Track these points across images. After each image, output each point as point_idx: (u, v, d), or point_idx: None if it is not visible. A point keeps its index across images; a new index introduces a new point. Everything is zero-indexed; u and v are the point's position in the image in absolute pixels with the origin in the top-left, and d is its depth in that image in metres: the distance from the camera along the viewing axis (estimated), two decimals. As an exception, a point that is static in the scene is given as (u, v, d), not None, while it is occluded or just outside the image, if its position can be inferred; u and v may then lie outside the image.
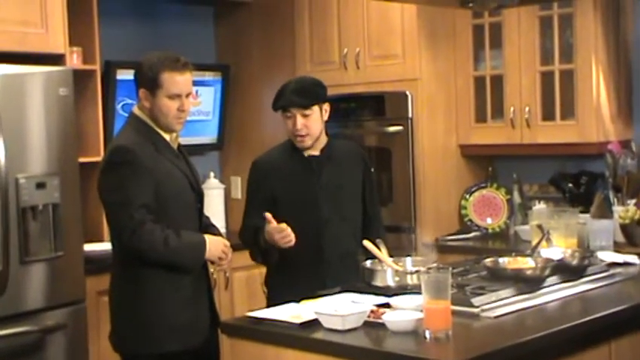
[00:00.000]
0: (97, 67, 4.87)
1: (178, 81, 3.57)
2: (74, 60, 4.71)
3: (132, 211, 3.43)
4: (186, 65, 3.61)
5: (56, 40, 4.41)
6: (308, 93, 3.87)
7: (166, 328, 3.54)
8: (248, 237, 3.92)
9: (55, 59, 4.40)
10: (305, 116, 3.85)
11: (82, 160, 4.42)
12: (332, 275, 3.83)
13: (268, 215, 3.73)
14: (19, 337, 3.97)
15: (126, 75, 5.01)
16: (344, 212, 3.94)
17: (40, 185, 4.04)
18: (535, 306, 3.25)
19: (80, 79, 4.62)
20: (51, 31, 4.39)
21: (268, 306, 3.77)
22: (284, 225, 3.71)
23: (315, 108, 3.87)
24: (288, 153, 3.97)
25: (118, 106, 5.25)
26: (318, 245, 3.87)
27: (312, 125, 3.87)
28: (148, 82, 3.57)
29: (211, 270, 3.79)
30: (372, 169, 4.24)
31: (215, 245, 3.62)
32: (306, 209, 3.87)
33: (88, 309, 4.28)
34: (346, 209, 3.96)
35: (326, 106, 3.94)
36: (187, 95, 3.61)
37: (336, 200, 3.92)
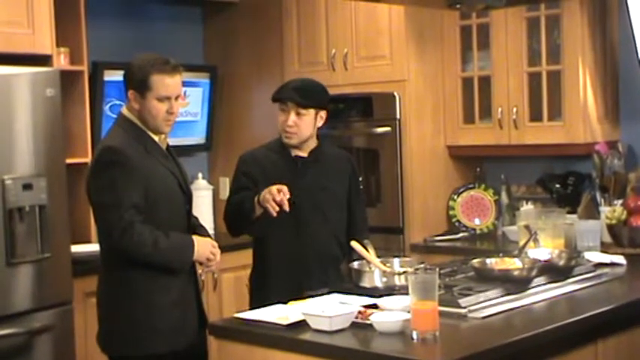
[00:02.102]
0: (84, 67, 4.85)
1: (168, 84, 3.56)
2: (61, 61, 4.69)
3: (122, 212, 3.42)
4: (176, 68, 3.60)
5: (43, 40, 4.40)
6: (308, 94, 3.90)
7: (154, 329, 3.54)
8: (232, 209, 3.93)
9: (42, 60, 4.39)
10: (299, 114, 3.86)
11: (69, 161, 4.41)
12: (310, 275, 3.85)
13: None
14: (6, 339, 3.96)
15: (113, 76, 5.00)
16: (326, 214, 3.94)
17: (27, 186, 4.03)
18: (522, 306, 3.26)
19: (67, 80, 4.61)
20: (38, 31, 4.38)
21: (250, 304, 3.79)
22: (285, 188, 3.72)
23: (311, 111, 3.89)
24: (275, 151, 3.98)
25: (106, 107, 5.23)
26: (297, 245, 3.89)
27: (303, 126, 3.88)
28: (137, 83, 3.56)
29: (199, 271, 3.78)
30: (360, 178, 4.26)
31: (203, 246, 3.62)
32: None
33: (75, 310, 4.27)
34: (328, 212, 3.96)
35: (322, 113, 3.94)
36: (176, 98, 3.61)
37: (318, 202, 3.93)
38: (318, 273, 3.87)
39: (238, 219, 3.92)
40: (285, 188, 3.69)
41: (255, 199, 3.77)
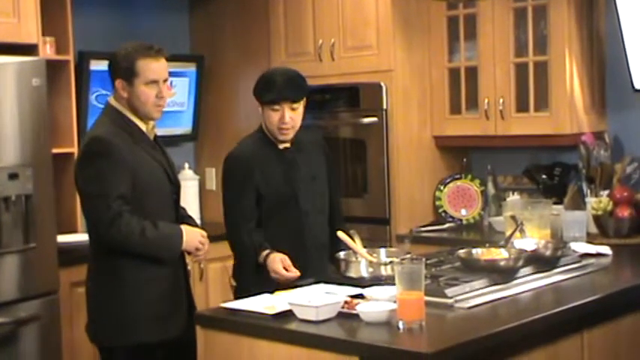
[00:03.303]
0: (70, 57, 4.84)
1: (154, 67, 3.57)
2: (47, 50, 4.68)
3: (109, 202, 3.43)
4: (161, 51, 3.61)
5: (29, 30, 4.38)
6: (298, 87, 3.86)
7: (144, 319, 3.55)
8: (248, 259, 3.86)
9: (28, 49, 4.37)
10: (293, 110, 3.83)
11: (55, 151, 4.41)
12: (312, 267, 3.82)
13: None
14: (-8, 328, 3.96)
15: (99, 65, 4.98)
16: (318, 204, 3.94)
17: (13, 176, 4.02)
18: (508, 297, 3.27)
19: (53, 69, 4.59)
20: (23, 20, 4.36)
21: (235, 294, 3.78)
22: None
23: (301, 102, 3.87)
24: (263, 146, 3.90)
25: (92, 97, 5.21)
26: (299, 238, 3.86)
27: (298, 118, 3.87)
28: (123, 71, 3.56)
29: (187, 261, 3.78)
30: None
31: (192, 236, 3.62)
32: (287, 202, 3.84)
33: (61, 300, 4.27)
34: (320, 201, 3.96)
35: (304, 99, 3.94)
36: (164, 81, 3.61)
37: (312, 192, 3.92)
38: (315, 262, 3.86)
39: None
40: (294, 271, 3.69)
41: (262, 259, 3.74)
